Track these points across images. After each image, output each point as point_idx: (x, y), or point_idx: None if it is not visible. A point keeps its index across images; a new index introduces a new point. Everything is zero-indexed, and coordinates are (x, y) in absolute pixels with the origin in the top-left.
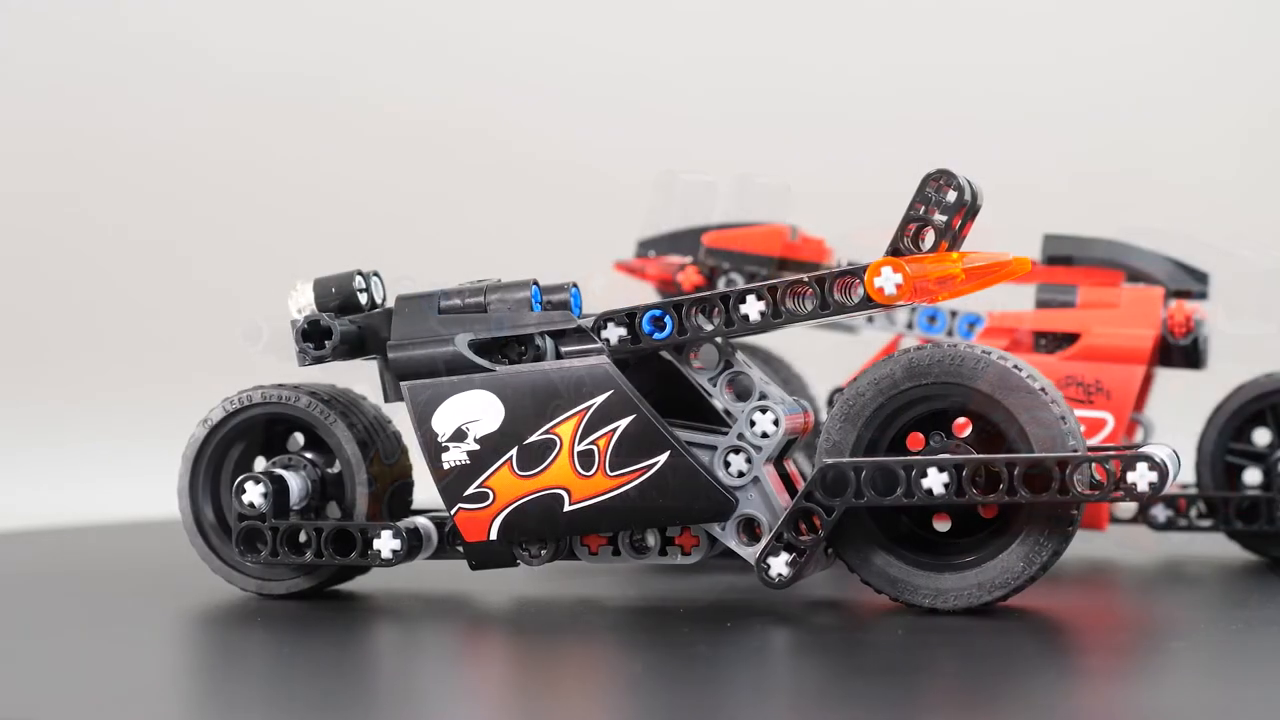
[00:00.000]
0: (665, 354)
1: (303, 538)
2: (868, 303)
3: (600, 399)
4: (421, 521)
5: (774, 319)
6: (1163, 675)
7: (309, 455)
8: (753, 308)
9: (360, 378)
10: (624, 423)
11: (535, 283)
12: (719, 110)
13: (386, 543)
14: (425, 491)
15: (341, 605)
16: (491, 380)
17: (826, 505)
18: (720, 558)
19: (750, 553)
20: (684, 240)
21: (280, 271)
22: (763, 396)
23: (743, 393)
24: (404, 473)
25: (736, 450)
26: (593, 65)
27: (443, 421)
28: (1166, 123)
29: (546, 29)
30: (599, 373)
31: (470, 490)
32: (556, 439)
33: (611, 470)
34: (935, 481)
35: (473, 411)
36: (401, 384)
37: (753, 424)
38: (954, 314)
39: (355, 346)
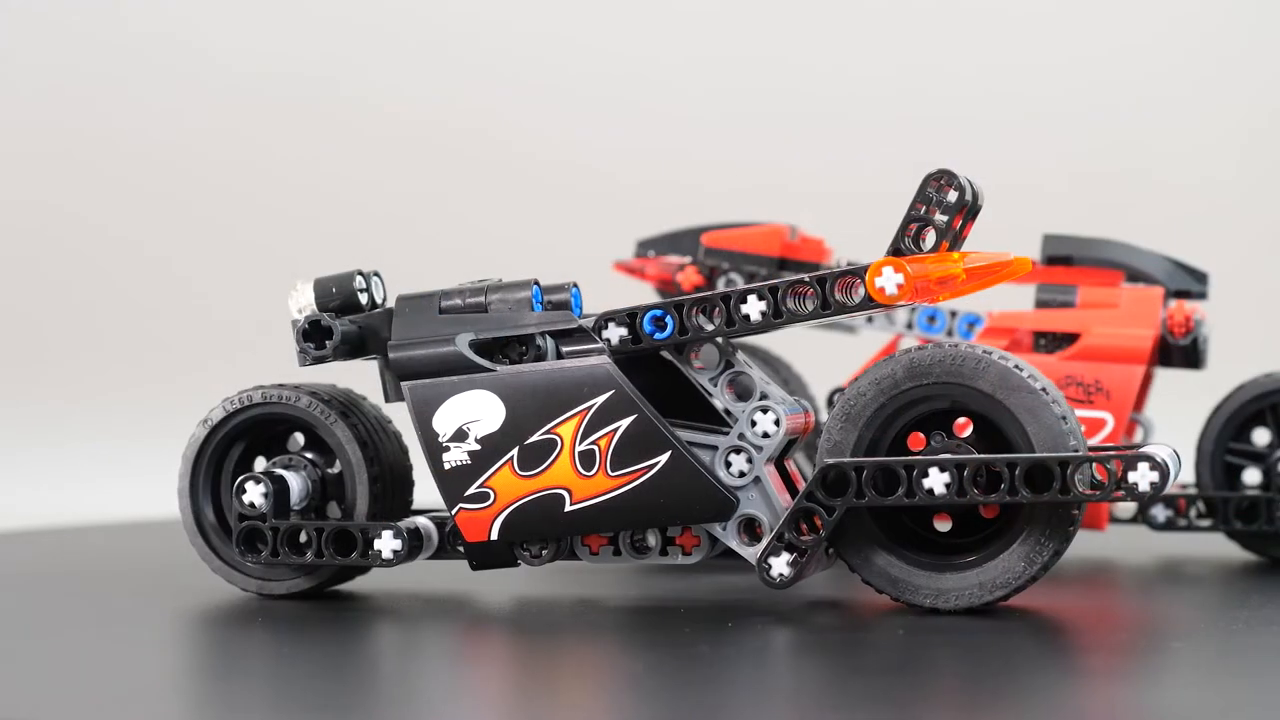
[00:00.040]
0: (666, 354)
1: (303, 538)
2: (869, 303)
3: (601, 399)
4: (422, 521)
5: (775, 319)
6: (1164, 675)
7: (309, 455)
8: (754, 308)
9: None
10: (625, 423)
11: (536, 282)
12: (719, 110)
13: (387, 543)
14: (426, 492)
15: (342, 605)
16: (492, 380)
17: (828, 505)
18: (720, 558)
19: (751, 553)
20: (683, 240)
21: (280, 271)
22: (764, 396)
23: (743, 393)
24: (404, 473)
25: (737, 450)
26: (593, 65)
27: (444, 421)
28: (1166, 123)
29: (546, 29)
30: (600, 373)
31: (471, 490)
32: (557, 439)
33: (613, 470)
34: (936, 481)
35: (474, 411)
36: (402, 384)
37: (754, 424)
38: (954, 314)
39: (356, 346)
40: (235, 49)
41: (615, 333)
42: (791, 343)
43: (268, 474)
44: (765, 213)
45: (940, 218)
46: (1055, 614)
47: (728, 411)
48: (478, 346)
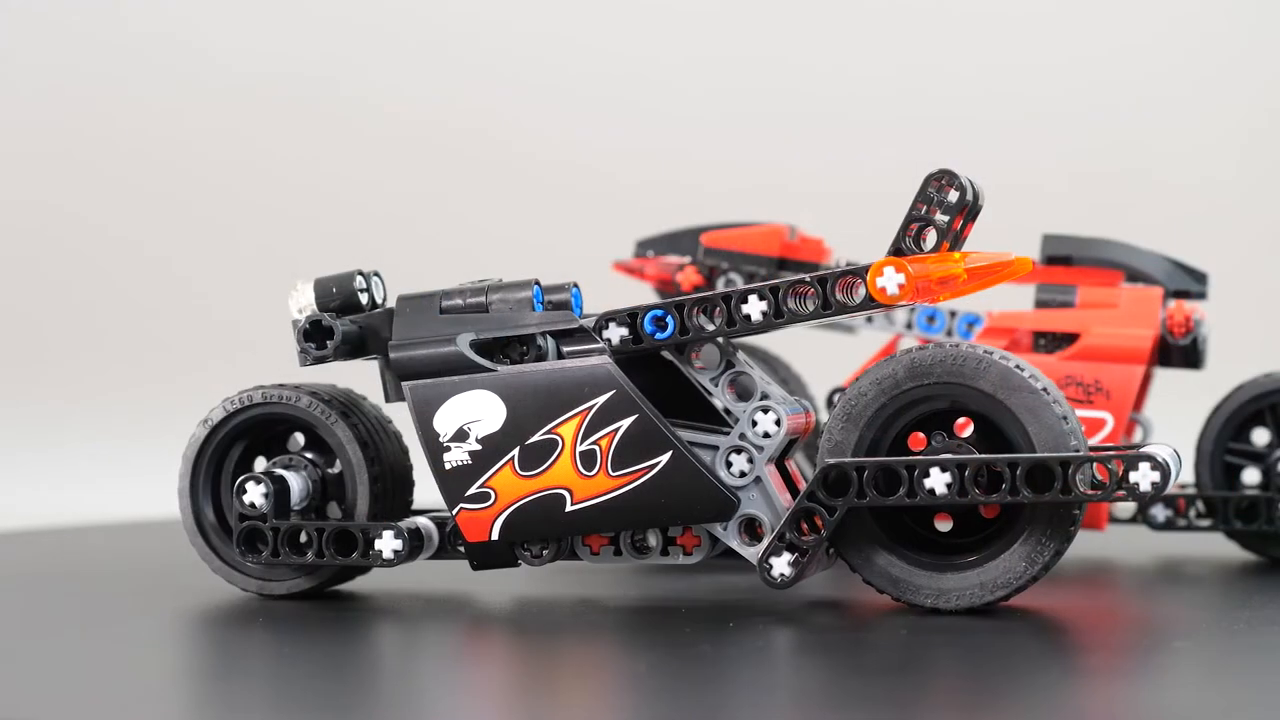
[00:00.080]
0: (667, 354)
1: (304, 538)
2: (870, 303)
3: (602, 399)
4: (423, 521)
5: (776, 319)
6: (1165, 675)
7: (309, 455)
8: (754, 308)
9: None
10: (626, 423)
11: (537, 282)
12: (719, 110)
13: (388, 543)
14: (426, 492)
15: (342, 605)
16: (493, 380)
17: (829, 505)
18: (720, 558)
19: (752, 553)
20: (682, 240)
21: (280, 271)
22: (764, 396)
23: (744, 393)
24: (404, 473)
25: (738, 450)
26: (593, 65)
27: (444, 421)
28: (1166, 123)
29: (546, 29)
30: (601, 373)
31: (472, 490)
32: (558, 439)
33: (614, 470)
34: (938, 481)
35: (475, 411)
36: (403, 384)
37: (754, 424)
38: (953, 314)
39: (356, 346)
40: (235, 49)
41: (616, 333)
42: (791, 343)
43: (268, 474)
44: (765, 213)
45: (941, 218)
46: (1056, 614)
47: (728, 411)
48: (479, 346)
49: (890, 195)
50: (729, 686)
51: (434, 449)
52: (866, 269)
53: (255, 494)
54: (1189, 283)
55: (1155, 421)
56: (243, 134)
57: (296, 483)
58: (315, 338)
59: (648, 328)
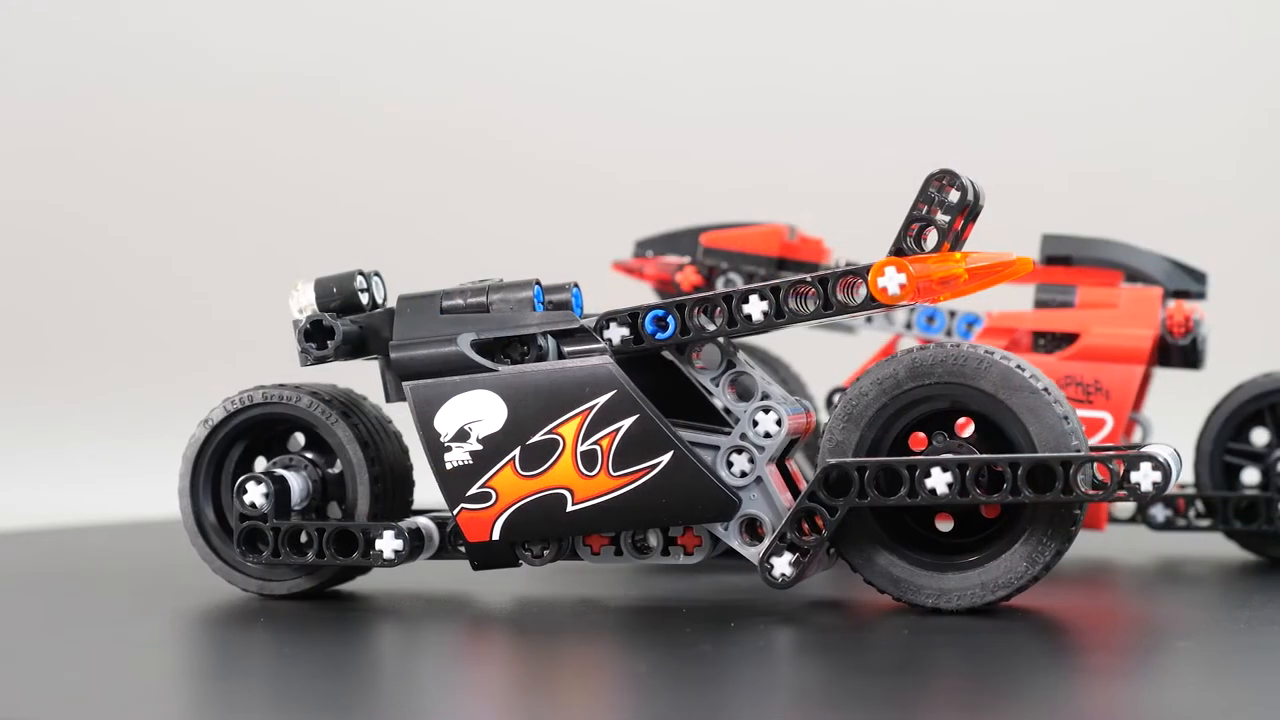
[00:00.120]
0: (667, 354)
1: (304, 538)
2: (871, 303)
3: (603, 399)
4: (423, 521)
5: (777, 319)
6: (1166, 675)
7: (309, 455)
8: (755, 308)
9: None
10: (627, 423)
11: (537, 282)
12: (719, 110)
13: (388, 543)
14: (426, 491)
15: (343, 606)
16: (494, 380)
17: (830, 505)
18: (720, 557)
19: (753, 553)
20: (681, 240)
21: (280, 271)
22: (765, 396)
23: (745, 393)
24: (404, 473)
25: (739, 450)
26: (593, 65)
27: (445, 421)
28: (1166, 123)
29: (546, 29)
30: (602, 373)
31: (473, 490)
32: (559, 439)
33: (615, 470)
34: (939, 481)
35: (475, 411)
36: (404, 384)
37: (755, 424)
38: (953, 314)
39: (357, 346)
40: (235, 49)
41: (617, 333)
42: (791, 343)
43: (269, 474)
44: (765, 213)
45: (942, 218)
46: (1056, 614)
47: (728, 411)
48: (479, 346)
49: (890, 195)
50: (730, 686)
51: (435, 449)
52: (867, 269)
53: (256, 494)
54: (1188, 283)
55: (1154, 421)
56: (243, 134)
57: (297, 483)
58: (316, 338)
59: (649, 328)
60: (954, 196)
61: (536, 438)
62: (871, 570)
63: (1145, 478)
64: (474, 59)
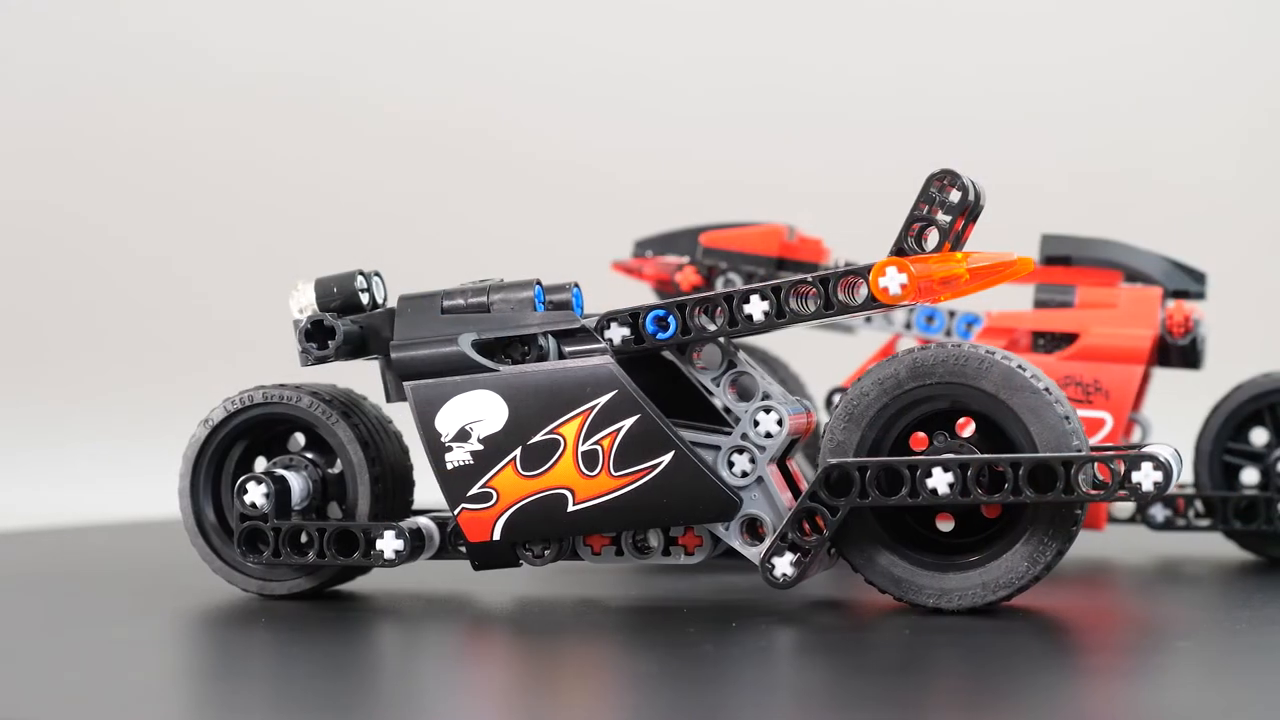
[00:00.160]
0: (668, 354)
1: (304, 538)
2: (872, 303)
3: (604, 399)
4: (424, 522)
5: (778, 319)
6: (1167, 675)
7: (309, 455)
8: (756, 308)
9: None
10: (628, 423)
11: (538, 282)
12: (719, 110)
13: (389, 543)
14: (427, 492)
15: (343, 606)
16: (495, 380)
17: (831, 505)
18: (720, 557)
19: (755, 553)
20: (680, 240)
21: (280, 271)
22: (766, 396)
23: (745, 393)
24: (404, 473)
25: (740, 450)
26: (593, 65)
27: (446, 421)
28: (1166, 123)
29: (546, 29)
30: (603, 373)
31: (474, 490)
32: (560, 439)
33: (616, 470)
34: (940, 481)
35: (476, 412)
36: (405, 384)
37: (756, 424)
38: (952, 314)
39: (358, 347)
40: (235, 49)
41: (618, 333)
42: (790, 343)
43: (269, 474)
44: (765, 213)
45: (943, 218)
46: (1057, 614)
47: (728, 411)
48: (480, 346)
49: (890, 195)
50: (732, 686)
51: (436, 449)
52: (868, 269)
53: (256, 494)
54: (1188, 283)
55: (1154, 421)
56: (243, 134)
57: (297, 483)
58: (317, 338)
59: (649, 328)
60: (955, 196)
61: (537, 438)
62: (872, 570)
63: (1147, 478)
64: (474, 59)
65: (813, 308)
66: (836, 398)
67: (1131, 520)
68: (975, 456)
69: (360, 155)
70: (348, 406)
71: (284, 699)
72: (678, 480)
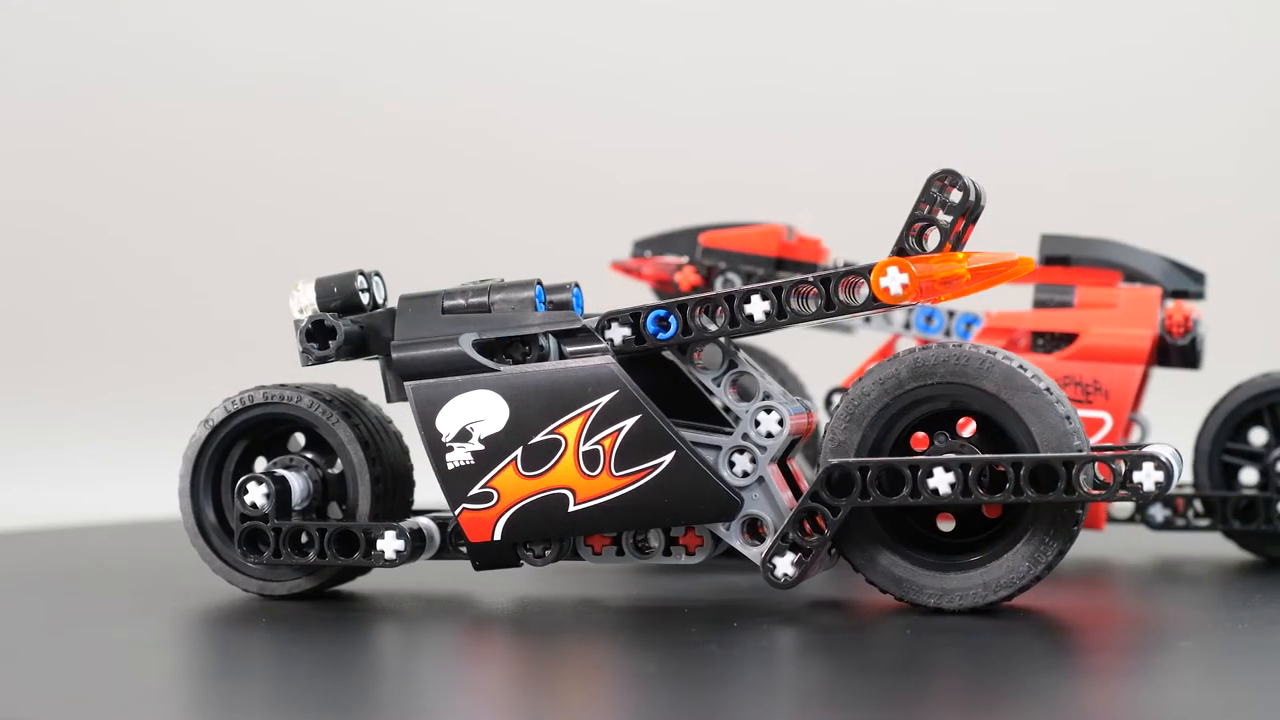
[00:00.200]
0: (668, 354)
1: (305, 538)
2: (873, 303)
3: (606, 399)
4: (424, 522)
5: (779, 319)
6: (1168, 675)
7: (310, 455)
8: (757, 308)
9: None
10: (630, 423)
11: (539, 282)
12: (719, 110)
13: (390, 543)
14: (428, 492)
15: (343, 606)
16: (496, 380)
17: (832, 505)
18: (721, 558)
19: (756, 553)
20: (679, 240)
21: (280, 271)
22: (767, 396)
23: (746, 393)
24: (405, 473)
25: (741, 450)
26: (593, 65)
27: (447, 421)
28: (1166, 123)
29: (546, 29)
30: (604, 373)
31: (474, 490)
32: (561, 439)
33: (617, 470)
34: (941, 481)
35: (477, 412)
36: (405, 384)
37: (757, 424)
38: (951, 314)
39: (358, 347)
40: (235, 49)
41: (619, 333)
42: (788, 343)
43: (269, 474)
44: (765, 213)
45: (944, 218)
46: (1058, 614)
47: (727, 410)
48: (481, 346)
49: (890, 195)
50: (733, 686)
51: (436, 449)
52: (870, 269)
53: (257, 494)
54: (1187, 283)
55: (1153, 421)
56: (243, 134)
57: (297, 483)
58: (318, 338)
59: (650, 328)
60: (956, 196)
61: (538, 438)
62: (873, 570)
63: (1148, 477)
64: (474, 59)
65: (814, 308)
66: (836, 398)
67: (1131, 520)
68: (977, 456)
69: (360, 155)
70: (348, 406)
71: (284, 699)
72: (679, 480)
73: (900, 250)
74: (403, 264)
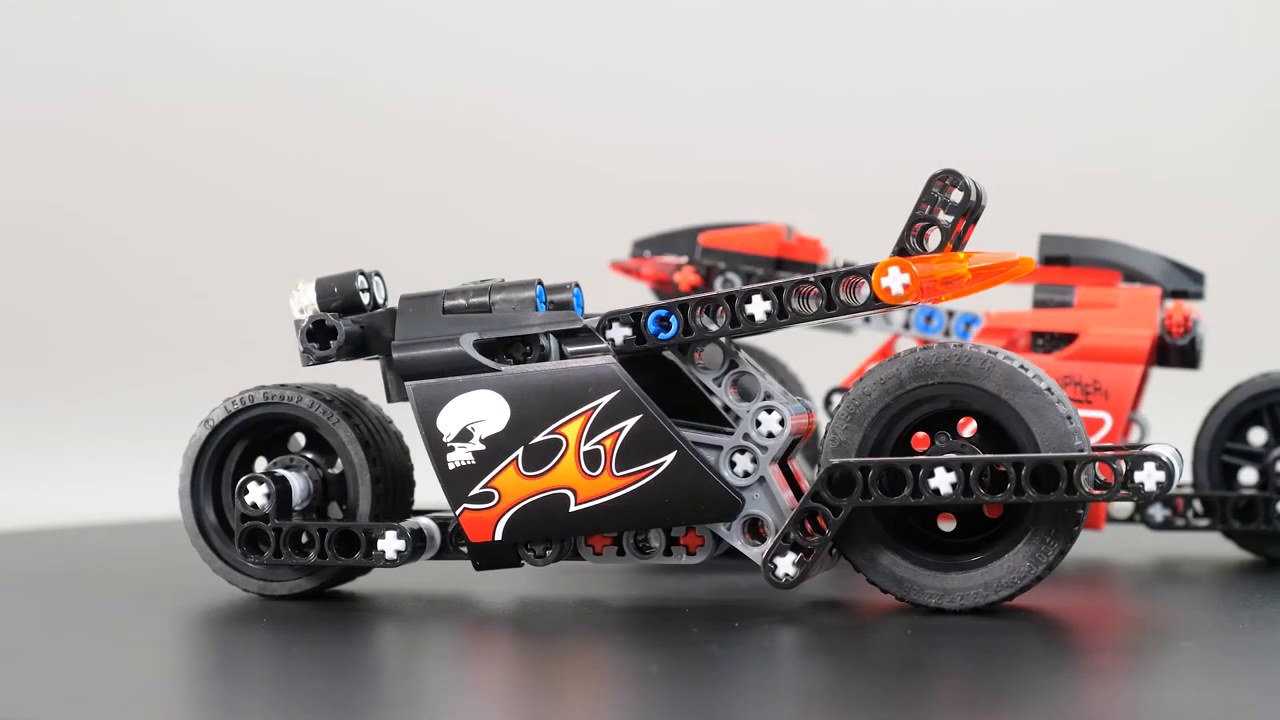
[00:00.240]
0: (669, 354)
1: (305, 538)
2: (874, 302)
3: (607, 399)
4: (425, 522)
5: (780, 319)
6: (1169, 674)
7: (310, 455)
8: (758, 308)
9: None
10: (631, 422)
11: (539, 282)
12: (719, 110)
13: (391, 543)
14: (428, 492)
15: (344, 606)
16: (497, 380)
17: (833, 505)
18: (721, 558)
19: (757, 553)
20: (679, 240)
21: (280, 271)
22: (768, 396)
23: (747, 393)
24: (405, 473)
25: (742, 450)
26: (593, 65)
27: (448, 421)
28: (1166, 123)
29: (546, 29)
30: (605, 373)
31: (475, 490)
32: (563, 439)
33: (618, 470)
34: (943, 481)
35: (478, 411)
36: (406, 384)
37: (758, 424)
38: (951, 314)
39: (359, 347)
40: (235, 49)
41: (619, 333)
42: (788, 343)
43: (270, 474)
44: (765, 213)
45: (945, 218)
46: (1059, 614)
47: (727, 409)
48: (482, 346)
49: (890, 195)
50: (734, 686)
51: (437, 449)
52: (871, 269)
53: (257, 494)
54: (1186, 282)
55: (1153, 421)
56: (243, 134)
57: (298, 483)
58: (318, 338)
59: (651, 328)
60: (957, 196)
61: (539, 438)
62: (874, 570)
63: (1149, 478)
64: (474, 59)
65: (815, 308)
66: (835, 398)
67: (1130, 520)
68: (978, 456)
69: (360, 155)
70: (348, 406)
71: (285, 699)
72: (680, 480)
73: (901, 250)
74: (403, 264)
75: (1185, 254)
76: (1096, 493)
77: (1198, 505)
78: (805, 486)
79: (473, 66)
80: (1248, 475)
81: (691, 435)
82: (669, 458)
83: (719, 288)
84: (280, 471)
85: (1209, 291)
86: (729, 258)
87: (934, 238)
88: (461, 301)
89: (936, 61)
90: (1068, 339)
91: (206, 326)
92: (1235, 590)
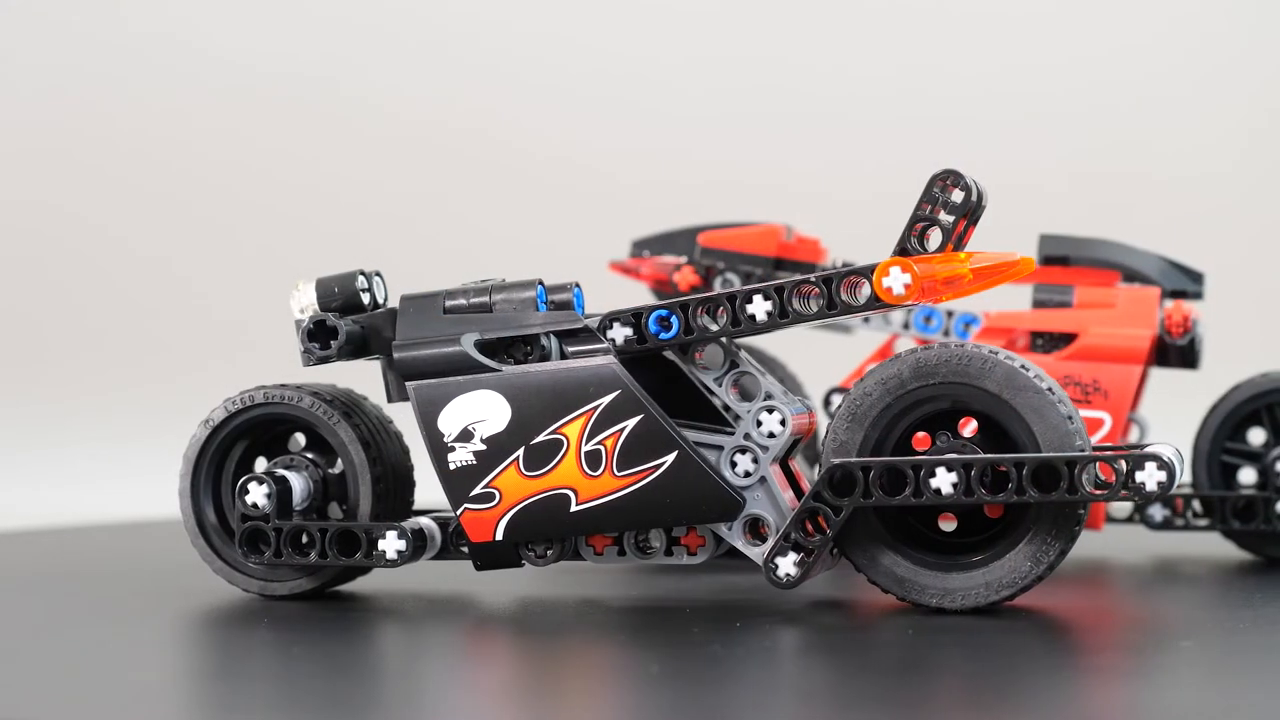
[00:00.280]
0: (669, 354)
1: (306, 538)
2: (875, 303)
3: (608, 399)
4: (426, 522)
5: (781, 319)
6: (1170, 674)
7: (310, 456)
8: (759, 308)
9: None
10: (632, 422)
11: (540, 282)
12: (719, 110)
13: (391, 543)
14: (429, 492)
15: (345, 606)
16: (498, 380)
17: (834, 505)
18: (722, 557)
19: (758, 553)
20: (678, 240)
21: (280, 271)
22: (769, 396)
23: (747, 393)
24: (405, 474)
25: (743, 450)
26: (593, 65)
27: (449, 421)
28: (1166, 123)
29: (546, 29)
30: (606, 372)
31: (476, 490)
32: (564, 439)
33: (619, 470)
34: (944, 481)
35: (479, 411)
36: (407, 384)
37: (759, 424)
38: (950, 314)
39: (360, 347)
40: (235, 49)
41: (620, 333)
42: (787, 343)
43: (270, 474)
44: (764, 213)
45: (946, 218)
46: (1059, 614)
47: (726, 408)
48: (483, 346)
49: (890, 195)
50: (735, 686)
51: (438, 449)
52: (872, 269)
53: (258, 494)
54: (1185, 282)
55: (1152, 421)
56: (243, 134)
57: (298, 483)
58: (319, 338)
59: (652, 328)
60: (958, 196)
61: (540, 438)
62: (875, 570)
63: (1150, 477)
64: (474, 59)
65: (815, 308)
66: (835, 398)
67: (1130, 520)
68: (979, 456)
69: (360, 155)
70: (349, 407)
71: (286, 699)
72: (681, 480)
73: (902, 250)
74: (403, 264)
75: (1185, 254)
76: (1098, 493)
77: (1197, 505)
78: (806, 486)
79: (473, 66)
80: (1247, 475)
81: (692, 435)
82: (670, 458)
83: (718, 288)
84: (281, 471)
85: (1208, 291)
86: (728, 258)
87: (935, 238)
88: (462, 301)
89: (936, 61)
90: (1067, 339)
91: (206, 326)
92: (1235, 590)
